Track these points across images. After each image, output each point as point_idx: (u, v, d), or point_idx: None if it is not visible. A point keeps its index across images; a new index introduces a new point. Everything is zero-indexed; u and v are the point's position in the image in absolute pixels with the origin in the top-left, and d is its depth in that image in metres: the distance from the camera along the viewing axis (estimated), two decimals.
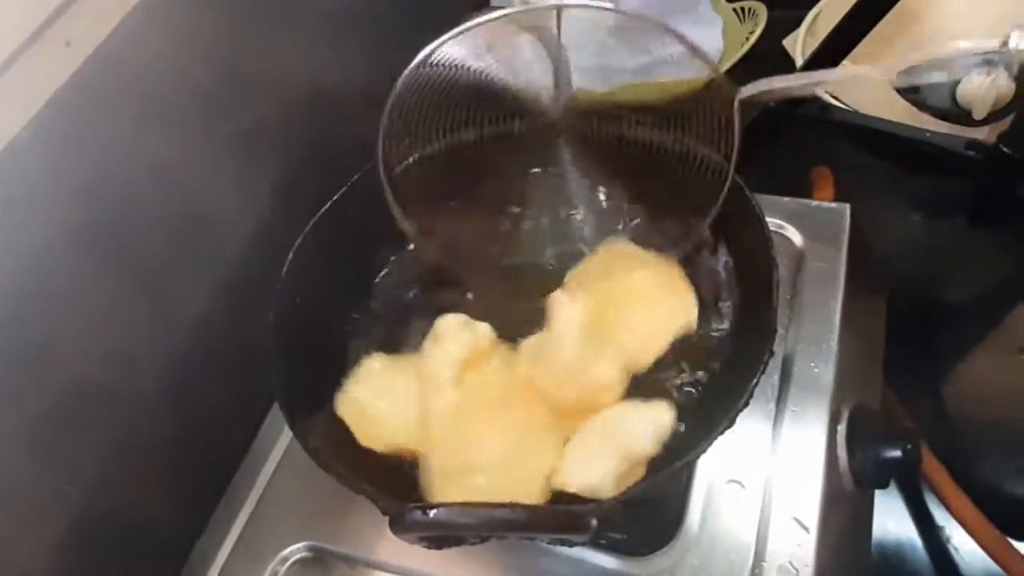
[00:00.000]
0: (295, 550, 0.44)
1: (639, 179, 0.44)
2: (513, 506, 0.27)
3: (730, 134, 0.40)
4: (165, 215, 0.46)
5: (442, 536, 0.29)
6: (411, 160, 0.41)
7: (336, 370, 0.43)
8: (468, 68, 0.40)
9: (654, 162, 0.42)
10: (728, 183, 0.39)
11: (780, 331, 0.44)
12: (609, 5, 0.41)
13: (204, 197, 0.49)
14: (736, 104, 0.39)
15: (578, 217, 0.47)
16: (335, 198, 0.46)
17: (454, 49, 0.39)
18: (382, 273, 0.47)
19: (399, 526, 0.27)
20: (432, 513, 0.26)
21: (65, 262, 0.41)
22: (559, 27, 0.41)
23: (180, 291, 0.48)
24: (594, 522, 0.27)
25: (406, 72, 0.39)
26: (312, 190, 0.47)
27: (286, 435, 0.49)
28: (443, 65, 0.39)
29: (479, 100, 0.42)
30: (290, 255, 0.44)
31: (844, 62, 0.57)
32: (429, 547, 0.30)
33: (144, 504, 0.48)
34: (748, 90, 0.40)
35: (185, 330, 0.49)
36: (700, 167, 0.41)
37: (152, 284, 0.46)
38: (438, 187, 0.42)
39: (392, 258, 0.48)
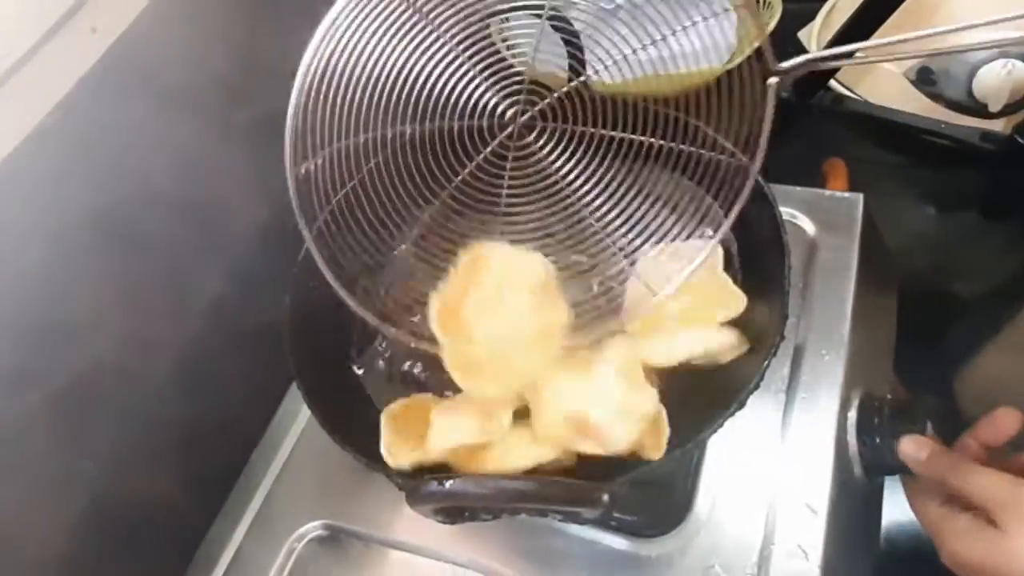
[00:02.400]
0: (311, 528, 0.45)
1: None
2: (526, 478, 0.27)
3: (759, 116, 0.34)
4: (184, 200, 0.47)
5: (457, 509, 0.30)
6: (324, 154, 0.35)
7: (351, 350, 0.43)
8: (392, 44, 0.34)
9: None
10: (755, 173, 0.34)
11: (792, 319, 0.45)
12: None
13: (222, 183, 0.49)
14: (773, 82, 0.34)
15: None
16: (351, 185, 0.46)
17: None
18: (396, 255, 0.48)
19: (415, 498, 0.28)
20: (447, 484, 0.27)
21: (87, 246, 0.42)
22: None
23: (197, 275, 0.49)
24: (606, 496, 0.28)
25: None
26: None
27: (302, 416, 0.50)
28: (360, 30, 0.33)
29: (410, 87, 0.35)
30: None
31: (858, 54, 0.57)
32: (444, 521, 0.31)
33: (161, 484, 0.49)
34: (788, 63, 0.34)
35: (202, 314, 0.50)
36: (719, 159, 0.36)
37: (170, 268, 0.47)
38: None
39: (405, 244, 0.49)
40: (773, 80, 0.35)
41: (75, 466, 0.44)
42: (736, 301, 0.38)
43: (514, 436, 0.33)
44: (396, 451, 0.34)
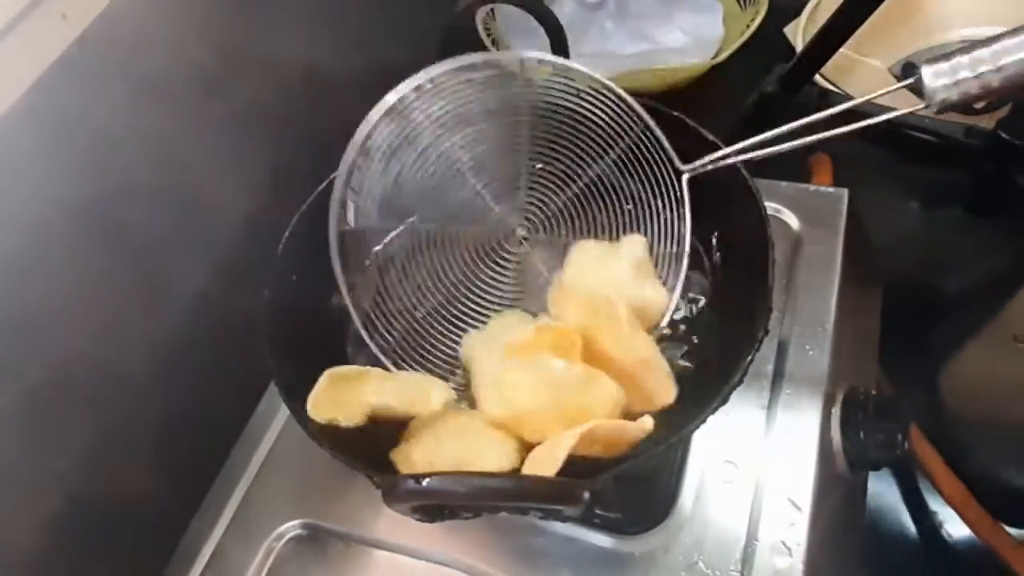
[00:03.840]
0: (290, 527, 0.44)
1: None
2: (504, 475, 0.27)
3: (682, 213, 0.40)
4: (159, 192, 0.46)
5: (435, 507, 0.29)
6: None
7: (331, 346, 0.43)
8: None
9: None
10: (685, 264, 0.40)
11: (776, 314, 0.44)
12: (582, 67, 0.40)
13: (199, 175, 0.49)
14: (684, 181, 0.40)
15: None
16: (331, 177, 0.46)
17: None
18: (375, 250, 0.47)
19: (392, 496, 0.27)
20: (424, 482, 0.26)
21: (58, 237, 0.41)
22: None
23: (174, 269, 0.48)
24: (586, 494, 0.27)
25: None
26: (307, 169, 0.47)
27: (282, 414, 0.49)
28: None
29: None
30: (286, 232, 0.44)
31: (843, 49, 0.57)
32: (422, 519, 0.30)
33: (138, 482, 0.48)
34: (692, 167, 0.40)
35: (179, 308, 0.49)
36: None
37: (146, 261, 0.46)
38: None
39: (386, 237, 0.48)
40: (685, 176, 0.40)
41: (49, 464, 0.43)
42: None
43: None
44: (321, 405, 0.36)
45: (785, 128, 0.37)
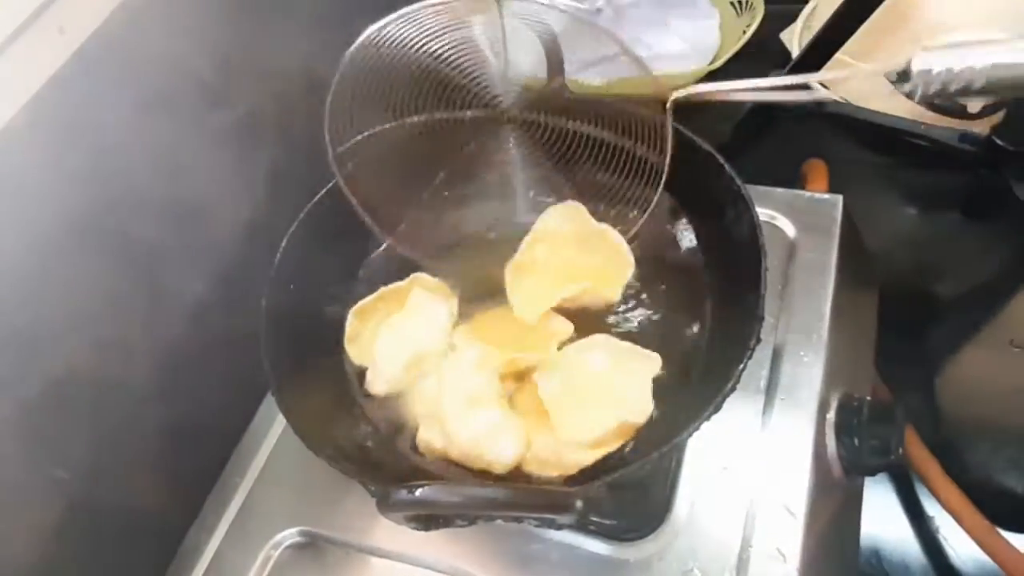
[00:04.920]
0: (288, 535, 0.45)
1: (586, 170, 0.45)
2: (498, 485, 0.27)
3: (664, 136, 0.41)
4: (158, 203, 0.46)
5: (430, 516, 0.29)
6: (358, 138, 0.42)
7: (328, 355, 0.43)
8: (416, 50, 0.40)
9: (599, 157, 0.44)
10: (662, 181, 0.41)
11: (771, 320, 0.45)
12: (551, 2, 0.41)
13: (198, 185, 0.49)
14: (669, 105, 0.41)
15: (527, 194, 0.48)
16: (329, 187, 0.46)
17: (401, 30, 0.40)
18: (372, 258, 0.48)
19: (386, 505, 0.27)
20: (418, 492, 0.27)
21: (59, 249, 0.41)
22: (502, 16, 0.41)
23: (173, 278, 0.49)
24: (579, 503, 0.28)
25: (352, 50, 0.39)
26: (306, 178, 0.47)
27: (279, 423, 0.50)
28: (390, 45, 0.40)
29: (427, 83, 0.42)
30: (284, 242, 0.44)
31: (838, 55, 0.57)
32: (417, 528, 0.30)
33: (137, 491, 0.48)
34: (680, 93, 0.41)
35: (178, 318, 0.49)
36: (640, 167, 0.43)
37: (145, 271, 0.47)
38: (386, 167, 0.44)
39: (381, 246, 0.49)
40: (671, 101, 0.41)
41: (50, 473, 0.43)
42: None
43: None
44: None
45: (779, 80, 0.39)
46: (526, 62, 0.44)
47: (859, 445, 0.42)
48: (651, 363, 0.39)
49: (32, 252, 0.40)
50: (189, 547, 0.47)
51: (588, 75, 0.68)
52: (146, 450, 0.48)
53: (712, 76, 0.67)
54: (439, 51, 0.41)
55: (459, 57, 0.41)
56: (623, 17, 0.76)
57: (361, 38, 0.39)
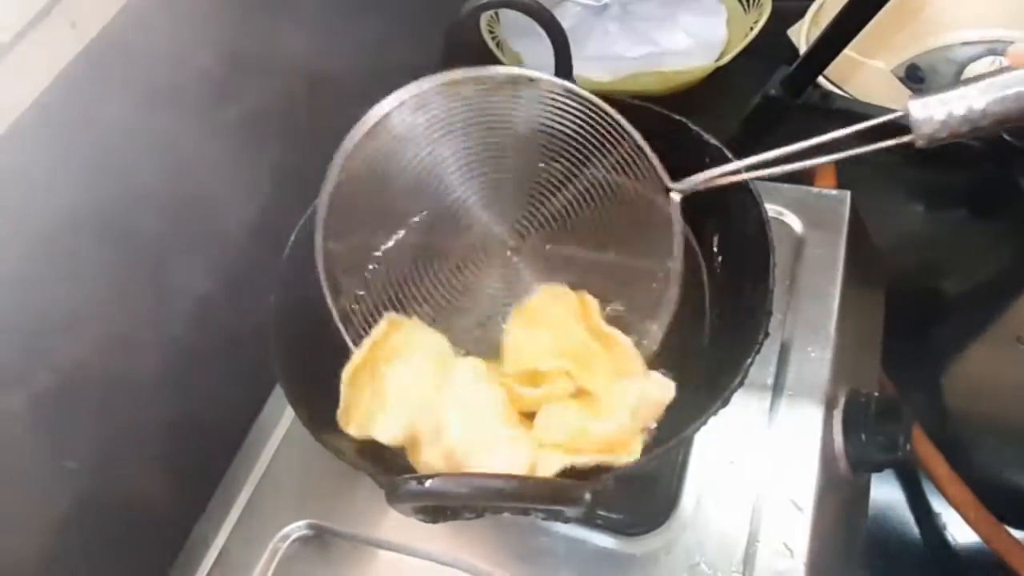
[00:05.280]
0: (295, 528, 0.45)
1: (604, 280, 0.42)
2: (507, 476, 0.27)
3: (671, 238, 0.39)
4: (167, 198, 0.46)
5: (438, 508, 0.29)
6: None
7: (336, 350, 0.43)
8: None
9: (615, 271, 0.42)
10: (678, 293, 0.39)
11: (779, 316, 0.45)
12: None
13: (206, 180, 0.49)
14: (674, 199, 0.39)
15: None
16: (337, 181, 0.46)
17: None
18: (380, 253, 0.48)
19: (395, 496, 0.28)
20: (427, 483, 0.27)
21: (68, 243, 0.41)
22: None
23: (181, 274, 0.49)
24: (588, 495, 0.28)
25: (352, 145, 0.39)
26: (313, 174, 0.47)
27: (287, 416, 0.50)
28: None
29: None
30: (292, 237, 0.44)
31: (846, 51, 0.57)
32: (426, 520, 0.30)
33: (145, 483, 0.48)
34: (681, 186, 0.39)
35: (187, 313, 0.49)
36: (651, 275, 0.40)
37: (154, 266, 0.47)
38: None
39: (391, 241, 0.49)
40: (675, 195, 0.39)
41: (58, 467, 0.43)
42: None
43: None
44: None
45: (785, 150, 0.37)
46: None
47: (866, 441, 0.42)
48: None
49: (43, 246, 0.40)
50: (197, 540, 0.47)
51: (594, 71, 0.68)
52: (154, 443, 0.48)
53: (719, 73, 0.67)
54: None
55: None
56: (630, 13, 0.76)
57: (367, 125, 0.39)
